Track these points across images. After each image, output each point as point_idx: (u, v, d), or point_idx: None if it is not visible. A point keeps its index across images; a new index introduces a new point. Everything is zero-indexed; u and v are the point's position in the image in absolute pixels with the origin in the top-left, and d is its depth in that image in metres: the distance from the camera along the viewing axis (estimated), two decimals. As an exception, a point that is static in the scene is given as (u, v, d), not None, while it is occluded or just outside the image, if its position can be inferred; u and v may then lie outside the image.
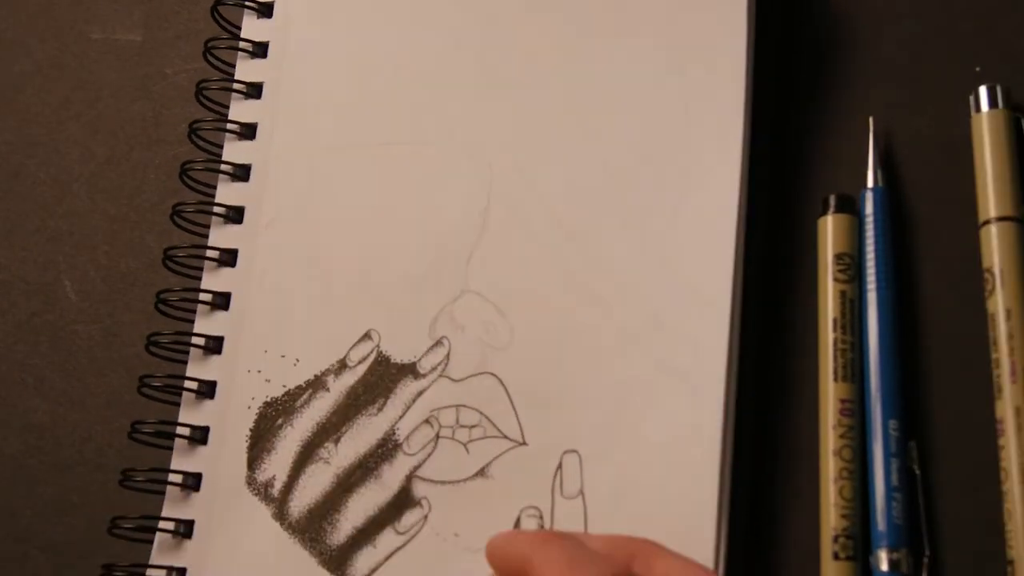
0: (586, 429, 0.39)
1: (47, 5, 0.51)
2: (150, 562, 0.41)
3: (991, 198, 0.39)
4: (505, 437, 0.39)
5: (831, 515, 0.37)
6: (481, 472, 0.39)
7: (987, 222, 0.39)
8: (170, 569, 0.41)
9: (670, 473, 0.38)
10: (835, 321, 0.38)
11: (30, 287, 0.47)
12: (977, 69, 0.41)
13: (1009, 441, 0.36)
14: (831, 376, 0.38)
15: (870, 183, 0.40)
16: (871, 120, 0.41)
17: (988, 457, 0.37)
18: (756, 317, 0.40)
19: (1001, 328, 0.37)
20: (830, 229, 0.40)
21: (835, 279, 0.39)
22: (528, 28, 0.43)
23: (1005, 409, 0.36)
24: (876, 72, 0.42)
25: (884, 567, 0.36)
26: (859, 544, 0.37)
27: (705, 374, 0.38)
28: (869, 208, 0.40)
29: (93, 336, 0.46)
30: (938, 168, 0.41)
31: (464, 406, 0.40)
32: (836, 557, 0.36)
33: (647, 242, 0.40)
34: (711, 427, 0.37)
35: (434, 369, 0.41)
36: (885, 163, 0.41)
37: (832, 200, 0.40)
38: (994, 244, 0.38)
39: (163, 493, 0.42)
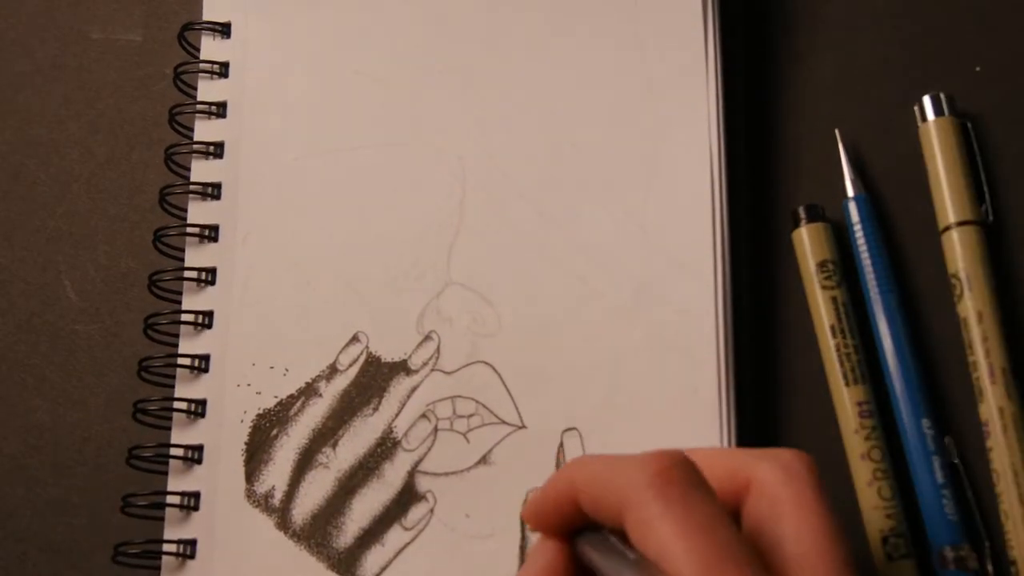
0: (583, 406, 0.39)
1: (47, 6, 0.51)
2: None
3: (948, 205, 0.39)
4: (504, 422, 0.40)
5: (875, 518, 0.37)
6: (483, 459, 0.40)
7: (948, 228, 0.39)
8: (176, 591, 0.41)
9: (672, 439, 0.38)
10: (833, 328, 0.39)
11: (30, 287, 0.47)
12: (977, 68, 0.41)
13: (998, 442, 0.36)
14: (842, 381, 0.38)
15: (850, 192, 0.40)
16: (838, 132, 0.41)
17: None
18: (744, 285, 0.40)
19: (974, 331, 0.37)
20: (807, 240, 0.40)
21: (823, 287, 0.39)
22: (484, 23, 0.44)
23: (989, 411, 0.37)
24: (835, 83, 0.43)
25: (951, 566, 0.36)
26: (910, 541, 0.37)
27: (696, 338, 0.39)
28: (855, 216, 0.40)
29: (93, 336, 0.46)
30: (900, 175, 0.41)
31: (460, 396, 0.40)
32: (891, 558, 0.36)
33: (624, 217, 0.41)
34: (708, 389, 0.38)
35: (425, 364, 0.41)
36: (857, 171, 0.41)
37: (802, 212, 0.40)
38: (957, 249, 0.38)
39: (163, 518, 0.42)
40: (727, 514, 0.27)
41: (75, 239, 0.48)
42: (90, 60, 0.50)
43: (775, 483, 0.29)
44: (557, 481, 0.31)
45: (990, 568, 0.36)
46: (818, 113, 0.42)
